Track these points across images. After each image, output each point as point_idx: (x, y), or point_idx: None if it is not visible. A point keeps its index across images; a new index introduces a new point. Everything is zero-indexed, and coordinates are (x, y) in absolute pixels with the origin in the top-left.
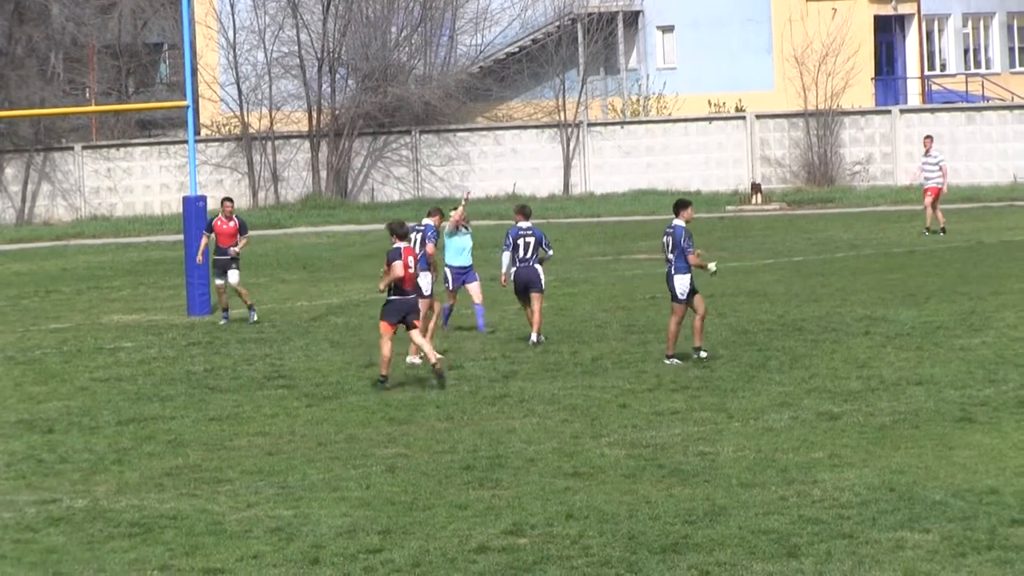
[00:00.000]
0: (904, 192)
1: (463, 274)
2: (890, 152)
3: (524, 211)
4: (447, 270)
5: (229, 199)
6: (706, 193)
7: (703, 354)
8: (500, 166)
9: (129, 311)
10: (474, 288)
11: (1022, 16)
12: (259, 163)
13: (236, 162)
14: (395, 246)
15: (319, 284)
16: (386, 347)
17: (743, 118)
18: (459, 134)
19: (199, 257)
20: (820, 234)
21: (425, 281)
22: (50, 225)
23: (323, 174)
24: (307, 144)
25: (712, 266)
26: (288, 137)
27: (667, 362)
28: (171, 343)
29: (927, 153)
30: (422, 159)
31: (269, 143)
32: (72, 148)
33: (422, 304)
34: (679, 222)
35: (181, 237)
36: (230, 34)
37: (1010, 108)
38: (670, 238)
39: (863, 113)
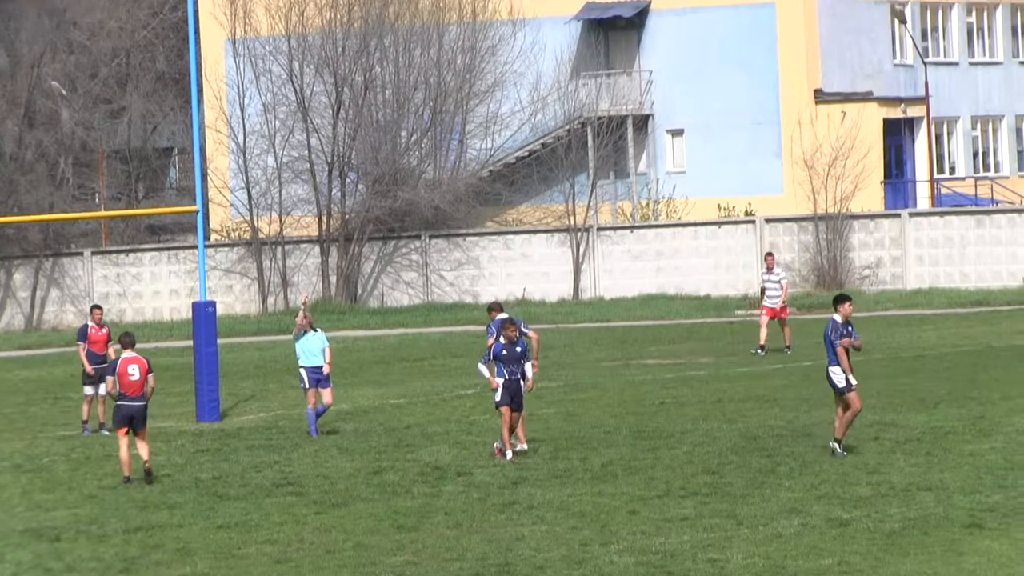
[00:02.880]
0: (913, 296)
1: (317, 374)
2: (900, 256)
3: (498, 306)
4: (302, 371)
5: (98, 306)
6: (716, 297)
7: (840, 449)
8: (510, 270)
9: None
10: (326, 393)
11: None
12: (269, 268)
13: (246, 267)
14: (118, 357)
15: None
16: (122, 450)
17: (752, 222)
18: (469, 238)
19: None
20: None
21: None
22: (59, 331)
23: (333, 279)
24: (317, 249)
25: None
26: (298, 242)
27: (832, 447)
28: (180, 450)
29: (769, 270)
30: (432, 264)
31: (279, 248)
32: (81, 253)
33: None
34: (836, 316)
35: (190, 343)
36: (240, 138)
37: (1019, 211)
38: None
39: (872, 217)
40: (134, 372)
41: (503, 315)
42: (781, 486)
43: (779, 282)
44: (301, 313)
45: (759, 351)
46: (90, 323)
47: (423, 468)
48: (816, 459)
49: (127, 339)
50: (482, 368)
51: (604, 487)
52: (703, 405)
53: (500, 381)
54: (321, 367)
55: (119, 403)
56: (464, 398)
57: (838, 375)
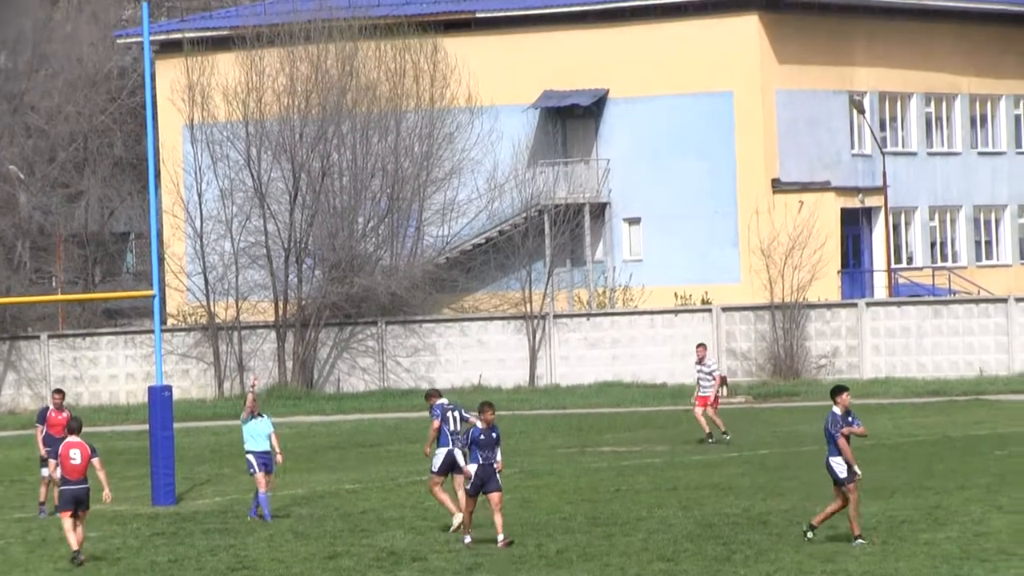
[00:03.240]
0: (870, 386)
1: (264, 458)
2: (856, 345)
3: (436, 392)
4: (250, 456)
5: (59, 390)
6: (672, 385)
7: (860, 542)
8: (466, 357)
9: (93, 500)
10: (269, 479)
11: (988, 209)
12: (225, 353)
13: (202, 352)
14: (66, 439)
15: (283, 475)
16: (68, 532)
17: (709, 311)
18: (425, 325)
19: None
20: (786, 427)
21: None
22: (15, 414)
23: (289, 364)
24: (273, 334)
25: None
26: (254, 327)
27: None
28: (135, 533)
29: (700, 361)
30: (388, 350)
31: (235, 333)
32: (38, 337)
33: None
34: (835, 408)
35: (146, 427)
36: (197, 223)
37: (976, 302)
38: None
39: (829, 306)
40: (75, 456)
41: (443, 400)
42: (737, 574)
43: (711, 373)
44: (250, 396)
45: (709, 440)
46: (50, 406)
47: (378, 553)
48: (772, 547)
49: (73, 424)
50: (459, 455)
51: (560, 573)
52: (659, 492)
53: (473, 468)
54: (267, 452)
55: (63, 487)
56: (419, 484)
57: (840, 465)
